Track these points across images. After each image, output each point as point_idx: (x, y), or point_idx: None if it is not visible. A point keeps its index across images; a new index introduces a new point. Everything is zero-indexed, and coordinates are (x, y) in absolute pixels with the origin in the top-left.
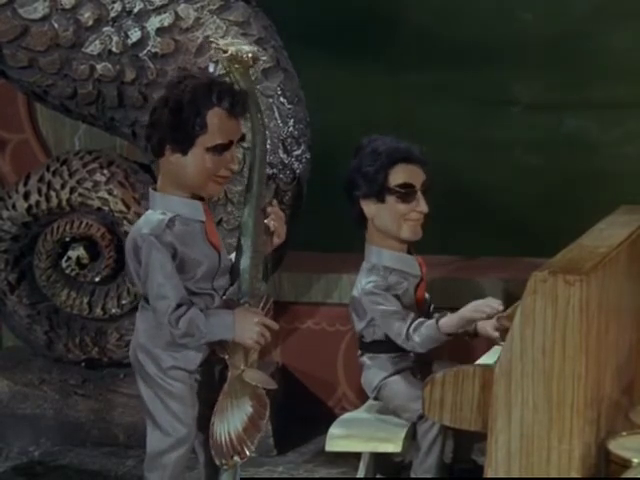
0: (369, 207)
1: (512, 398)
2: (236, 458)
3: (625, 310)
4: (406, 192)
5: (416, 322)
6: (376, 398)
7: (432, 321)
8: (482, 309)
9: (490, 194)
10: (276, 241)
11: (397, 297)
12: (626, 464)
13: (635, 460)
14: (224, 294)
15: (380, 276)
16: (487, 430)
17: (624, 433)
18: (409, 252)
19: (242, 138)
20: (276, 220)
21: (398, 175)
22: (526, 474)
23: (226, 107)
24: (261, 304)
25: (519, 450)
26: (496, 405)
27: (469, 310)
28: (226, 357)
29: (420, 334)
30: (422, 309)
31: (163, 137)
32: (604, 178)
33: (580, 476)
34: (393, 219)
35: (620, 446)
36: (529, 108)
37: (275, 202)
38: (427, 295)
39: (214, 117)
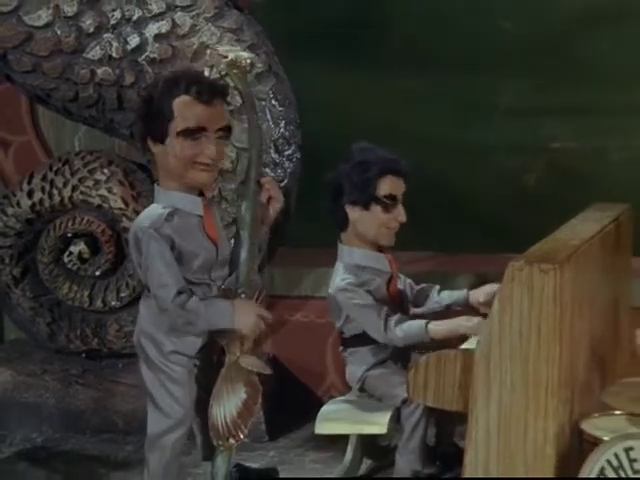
0: (353, 212)
1: (491, 379)
2: (231, 440)
3: (598, 300)
4: (390, 203)
5: (396, 317)
6: (361, 389)
7: (421, 322)
8: (474, 327)
9: (472, 195)
10: (276, 206)
11: (370, 292)
12: (597, 442)
13: (605, 438)
14: (223, 284)
15: (353, 274)
16: (468, 410)
17: (596, 414)
18: (380, 250)
19: (225, 129)
20: (270, 188)
21: (385, 186)
22: (504, 450)
23: (193, 94)
24: (256, 294)
25: (498, 428)
26: (476, 386)
27: (461, 325)
28: (223, 343)
29: (404, 330)
30: (396, 302)
31: (142, 130)
32: (582, 179)
33: (554, 451)
34: (374, 226)
35: (592, 426)
36: (510, 113)
37: (268, 172)
38: (403, 281)
39: (180, 104)
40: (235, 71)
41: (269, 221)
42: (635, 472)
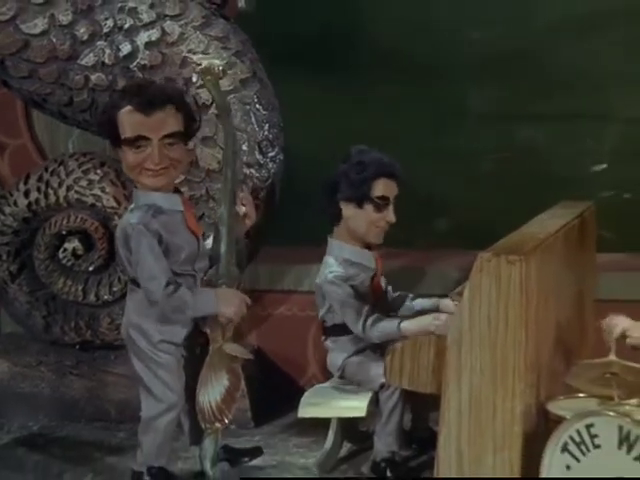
0: (348, 209)
1: (462, 364)
2: (217, 424)
3: (563, 290)
4: (382, 204)
5: (374, 317)
6: (341, 376)
7: (394, 322)
8: (441, 325)
9: (449, 197)
10: (247, 223)
11: (355, 287)
12: (561, 421)
13: (568, 417)
14: (205, 275)
15: (341, 267)
16: (441, 392)
17: (561, 397)
18: (368, 247)
19: (174, 135)
20: (246, 204)
21: (379, 188)
22: (475, 429)
23: (134, 104)
24: (235, 286)
25: (469, 409)
26: (448, 370)
27: (430, 323)
28: (208, 332)
29: (379, 330)
30: (378, 297)
31: (109, 141)
32: (552, 182)
33: (521, 430)
34: (365, 224)
35: (557, 407)
36: (485, 118)
37: (245, 188)
38: (384, 284)
39: (123, 114)
40: (208, 77)
41: (243, 232)
42: (595, 447)
